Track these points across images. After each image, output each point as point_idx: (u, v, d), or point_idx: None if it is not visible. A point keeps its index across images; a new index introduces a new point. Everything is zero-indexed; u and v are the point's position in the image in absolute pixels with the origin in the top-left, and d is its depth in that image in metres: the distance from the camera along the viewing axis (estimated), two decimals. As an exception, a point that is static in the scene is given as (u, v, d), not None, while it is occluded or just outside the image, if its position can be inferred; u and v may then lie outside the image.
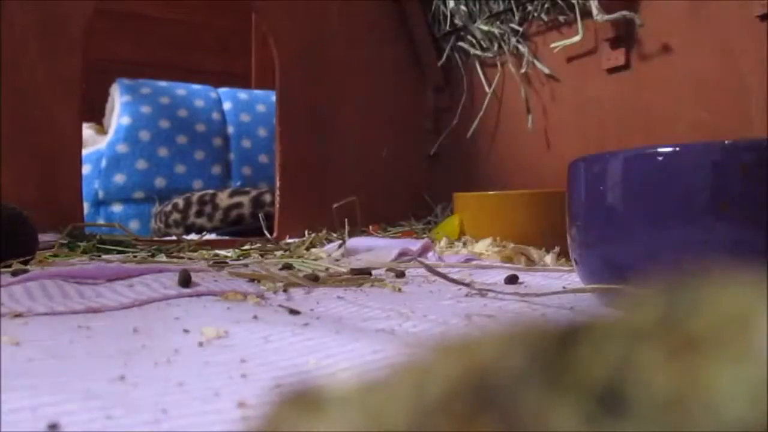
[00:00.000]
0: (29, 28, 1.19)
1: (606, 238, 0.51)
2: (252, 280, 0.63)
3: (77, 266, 0.63)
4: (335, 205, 1.12)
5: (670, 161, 0.48)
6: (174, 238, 1.16)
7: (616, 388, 0.11)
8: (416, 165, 1.55)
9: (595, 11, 1.09)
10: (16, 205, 0.75)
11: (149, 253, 0.95)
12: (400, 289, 0.62)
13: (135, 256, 0.91)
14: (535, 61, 1.32)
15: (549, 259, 0.88)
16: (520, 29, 1.33)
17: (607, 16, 1.08)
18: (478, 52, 1.43)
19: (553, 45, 1.24)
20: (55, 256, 0.87)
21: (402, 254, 0.88)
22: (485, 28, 1.39)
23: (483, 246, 0.97)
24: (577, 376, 0.11)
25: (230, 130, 1.79)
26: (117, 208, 1.62)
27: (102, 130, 1.74)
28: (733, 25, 0.98)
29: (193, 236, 1.30)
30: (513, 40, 1.35)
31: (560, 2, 1.23)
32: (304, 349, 0.36)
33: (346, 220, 1.04)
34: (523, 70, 1.34)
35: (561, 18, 1.24)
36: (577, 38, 1.19)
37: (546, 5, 1.26)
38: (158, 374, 0.31)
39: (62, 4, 1.22)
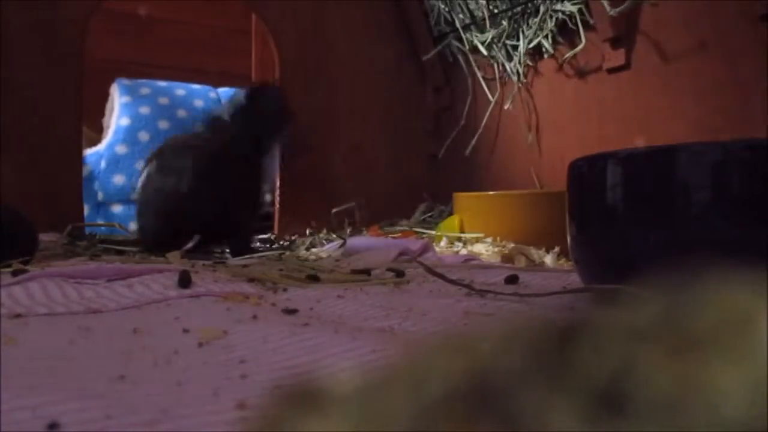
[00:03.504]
0: (29, 28, 1.19)
1: (606, 238, 0.51)
2: (251, 280, 0.63)
3: (77, 266, 0.63)
4: (334, 210, 1.12)
5: (670, 161, 0.48)
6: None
7: (616, 388, 0.11)
8: (416, 165, 1.55)
9: (607, 7, 1.09)
10: (16, 205, 0.75)
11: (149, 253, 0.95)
12: (399, 289, 0.62)
13: (134, 255, 0.92)
14: (536, 62, 1.32)
15: (549, 259, 0.88)
16: (521, 28, 1.33)
17: (618, 9, 1.08)
18: (479, 52, 1.43)
19: (561, 61, 1.25)
20: (56, 255, 0.87)
21: (402, 254, 0.88)
22: (486, 28, 1.39)
23: (483, 246, 0.97)
24: (577, 376, 0.11)
25: (230, 130, 1.79)
26: (116, 209, 1.62)
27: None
28: (733, 25, 0.98)
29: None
30: (513, 39, 1.35)
31: (562, 14, 1.23)
32: (304, 349, 0.36)
33: (346, 220, 1.04)
34: (523, 70, 1.34)
35: (561, 17, 1.24)
36: (579, 47, 1.19)
37: (548, 12, 1.26)
38: (158, 374, 0.31)
39: (62, 5, 1.22)
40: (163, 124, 1.69)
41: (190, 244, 0.95)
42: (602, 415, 0.11)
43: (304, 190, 1.38)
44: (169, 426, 0.24)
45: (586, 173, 0.53)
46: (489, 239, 1.01)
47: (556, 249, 0.90)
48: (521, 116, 1.36)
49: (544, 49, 1.29)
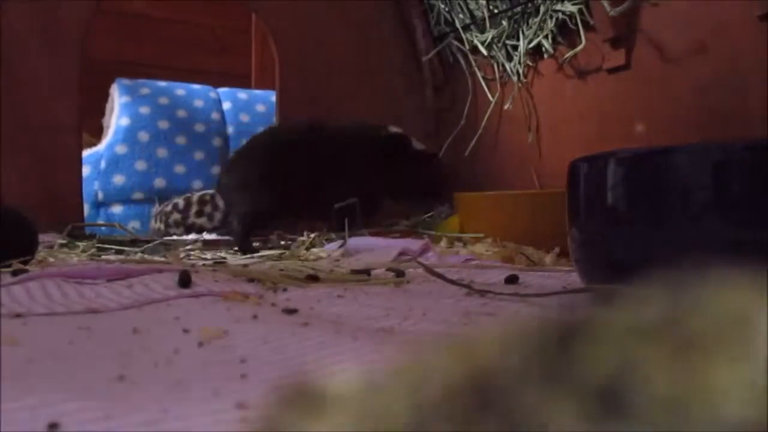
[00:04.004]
0: (29, 28, 1.19)
1: (606, 238, 0.51)
2: (251, 280, 0.63)
3: (77, 266, 0.63)
4: (336, 206, 1.12)
5: (670, 161, 0.48)
6: (174, 237, 1.16)
7: (616, 388, 0.11)
8: (416, 165, 1.54)
9: (607, 8, 1.09)
10: (16, 205, 0.75)
11: (149, 253, 0.95)
12: (399, 289, 0.62)
13: (136, 254, 0.92)
14: (536, 62, 1.32)
15: (549, 259, 0.88)
16: (521, 28, 1.33)
17: (618, 9, 1.08)
18: (479, 52, 1.43)
19: (561, 61, 1.25)
20: (55, 254, 0.87)
21: (402, 254, 0.88)
22: (486, 28, 1.39)
23: (483, 246, 0.97)
24: (577, 376, 0.11)
25: (230, 130, 1.79)
26: (117, 209, 1.62)
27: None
28: (733, 25, 0.98)
29: (193, 236, 1.31)
30: (513, 39, 1.35)
31: (562, 15, 1.23)
32: (304, 349, 0.36)
33: (346, 219, 1.04)
34: (523, 70, 1.34)
35: (561, 17, 1.24)
36: (579, 47, 1.19)
37: (548, 12, 1.26)
38: (158, 374, 0.31)
39: (62, 5, 1.22)
40: (163, 124, 1.69)
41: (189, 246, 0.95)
42: (602, 415, 0.11)
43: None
44: (169, 426, 0.24)
45: (586, 173, 0.53)
46: (489, 239, 1.01)
47: (556, 249, 0.89)
48: (521, 116, 1.36)
49: (544, 49, 1.29)
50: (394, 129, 1.21)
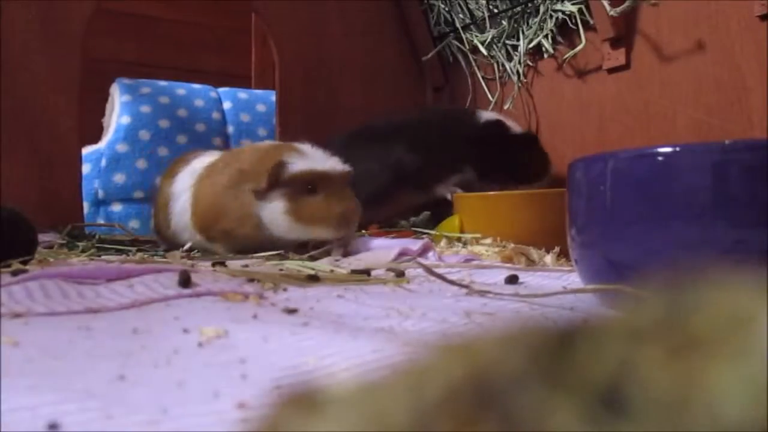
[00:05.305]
0: (30, 27, 1.19)
1: (606, 238, 0.51)
2: (251, 280, 0.63)
3: (77, 266, 0.63)
4: None
5: (670, 161, 0.48)
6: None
7: (616, 388, 0.11)
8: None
9: (607, 8, 1.09)
10: (16, 204, 0.75)
11: (150, 254, 0.95)
12: (399, 288, 0.62)
13: (136, 254, 0.91)
14: (536, 62, 1.32)
15: (549, 259, 0.88)
16: (521, 28, 1.33)
17: (619, 9, 1.08)
18: (479, 52, 1.43)
19: (561, 61, 1.25)
20: (55, 254, 0.87)
21: (402, 254, 0.88)
22: (486, 28, 1.39)
23: (483, 246, 0.97)
24: (578, 376, 0.11)
25: (230, 129, 1.79)
26: (117, 207, 1.62)
27: None
28: (733, 25, 0.98)
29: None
30: (513, 39, 1.35)
31: (562, 14, 1.23)
32: (304, 349, 0.36)
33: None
34: (523, 69, 1.34)
35: (561, 16, 1.24)
36: (579, 47, 1.19)
37: (548, 12, 1.26)
38: (158, 374, 0.31)
39: (62, 4, 1.22)
40: (164, 123, 1.69)
41: (187, 246, 0.95)
42: (603, 415, 0.11)
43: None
44: (169, 426, 0.24)
45: (585, 173, 0.53)
46: (489, 239, 1.01)
47: (556, 249, 0.89)
48: (521, 116, 1.36)
49: (544, 49, 1.29)
50: (488, 114, 1.27)
